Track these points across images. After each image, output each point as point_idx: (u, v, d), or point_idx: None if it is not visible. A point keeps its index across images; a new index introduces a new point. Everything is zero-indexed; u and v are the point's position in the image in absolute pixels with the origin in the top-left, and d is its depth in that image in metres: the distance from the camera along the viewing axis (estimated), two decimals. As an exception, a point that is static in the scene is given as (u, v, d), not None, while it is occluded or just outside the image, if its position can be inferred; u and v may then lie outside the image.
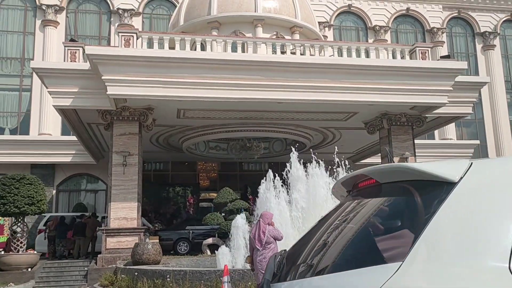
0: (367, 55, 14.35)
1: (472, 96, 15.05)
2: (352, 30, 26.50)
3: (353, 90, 13.33)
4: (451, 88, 13.52)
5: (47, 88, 13.15)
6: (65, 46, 13.47)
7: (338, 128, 17.39)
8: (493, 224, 1.32)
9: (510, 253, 1.25)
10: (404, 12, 26.69)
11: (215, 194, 19.59)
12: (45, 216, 19.54)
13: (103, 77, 11.95)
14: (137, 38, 13.05)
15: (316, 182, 11.16)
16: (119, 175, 13.52)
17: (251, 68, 12.96)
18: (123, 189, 13.49)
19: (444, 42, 26.80)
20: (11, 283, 12.62)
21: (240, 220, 11.34)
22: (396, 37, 26.64)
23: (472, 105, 15.35)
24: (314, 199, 10.85)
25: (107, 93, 12.09)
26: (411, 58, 14.40)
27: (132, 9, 23.57)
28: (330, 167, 11.88)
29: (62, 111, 13.54)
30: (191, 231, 16.25)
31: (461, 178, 1.46)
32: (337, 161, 11.69)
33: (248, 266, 8.03)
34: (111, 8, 23.52)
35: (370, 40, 25.40)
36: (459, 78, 14.35)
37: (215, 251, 11.56)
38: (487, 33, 27.44)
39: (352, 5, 26.15)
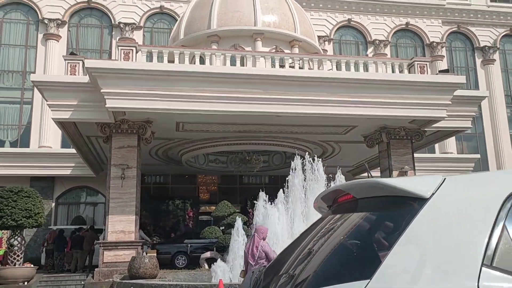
0: (366, 69, 14.39)
1: (471, 110, 15.05)
2: (352, 44, 26.65)
3: (351, 103, 13.34)
4: (450, 102, 13.53)
5: (46, 101, 13.19)
6: (65, 60, 13.55)
7: (338, 142, 17.38)
8: (462, 242, 1.30)
9: (479, 271, 1.23)
10: (403, 26, 26.86)
11: (214, 208, 19.53)
12: (51, 229, 19.54)
13: (102, 90, 11.99)
14: (136, 52, 13.13)
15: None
16: (117, 188, 13.48)
17: (250, 81, 13.00)
18: (121, 202, 13.45)
19: (444, 56, 26.91)
20: (7, 297, 12.54)
21: (238, 233, 11.29)
22: (396, 51, 26.77)
23: (472, 119, 15.34)
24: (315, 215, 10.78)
25: (106, 106, 12.12)
26: (409, 72, 14.44)
27: (134, 23, 23.77)
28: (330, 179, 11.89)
29: (61, 124, 13.57)
30: (189, 245, 16.16)
31: (433, 194, 1.44)
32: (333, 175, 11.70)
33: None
34: (113, 22, 23.72)
35: (370, 54, 25.52)
36: (458, 92, 14.37)
37: (213, 265, 11.48)
38: (486, 47, 27.56)
39: (352, 19, 26.33)
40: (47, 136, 21.66)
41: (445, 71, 15.31)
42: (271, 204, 11.29)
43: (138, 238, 13.93)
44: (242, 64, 14.14)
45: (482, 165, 25.12)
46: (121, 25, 23.55)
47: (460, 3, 27.81)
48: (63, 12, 23.16)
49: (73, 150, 18.33)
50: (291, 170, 12.44)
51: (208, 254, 14.59)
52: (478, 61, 27.62)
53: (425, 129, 14.94)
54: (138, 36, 23.83)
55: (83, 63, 12.88)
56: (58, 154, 20.95)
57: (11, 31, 23.03)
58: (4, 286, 13.10)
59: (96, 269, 13.08)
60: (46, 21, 22.81)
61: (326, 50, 25.06)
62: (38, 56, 22.73)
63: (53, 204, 21.85)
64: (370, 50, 26.16)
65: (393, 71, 14.68)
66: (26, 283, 13.68)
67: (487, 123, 26.52)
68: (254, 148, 17.83)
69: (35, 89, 19.24)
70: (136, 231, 13.54)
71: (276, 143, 17.21)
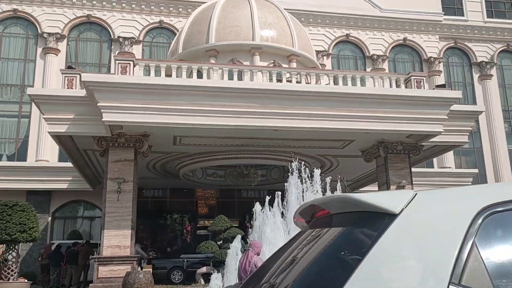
0: (363, 84, 14.44)
1: (468, 125, 15.06)
2: (350, 59, 26.79)
3: (348, 118, 13.35)
4: (446, 117, 13.55)
5: (43, 114, 13.18)
6: (62, 73, 13.58)
7: (335, 156, 17.35)
8: (430, 259, 1.27)
9: (447, 288, 1.19)
10: (401, 42, 27.04)
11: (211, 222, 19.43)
12: (53, 243, 19.43)
13: (98, 104, 11.99)
14: (133, 66, 13.17)
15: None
16: (113, 202, 13.40)
17: (247, 95, 13.02)
18: (117, 216, 13.35)
19: (441, 71, 27.03)
20: (0, 312, 12.38)
21: (234, 249, 11.21)
22: (393, 66, 26.91)
23: (468, 134, 15.34)
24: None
25: (102, 119, 12.11)
26: (406, 87, 14.48)
27: (133, 37, 23.91)
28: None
29: (57, 137, 13.54)
30: (185, 260, 16.01)
31: (403, 209, 1.41)
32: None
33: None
34: (112, 36, 23.86)
35: (368, 69, 25.65)
36: (455, 107, 14.39)
37: (210, 279, 11.37)
38: (483, 63, 27.71)
39: (350, 34, 26.52)
40: (44, 150, 21.63)
41: (442, 86, 15.36)
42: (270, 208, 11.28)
43: (134, 253, 13.81)
44: (240, 78, 14.18)
45: (480, 180, 25.06)
46: (120, 39, 23.68)
47: (457, 19, 28.04)
48: (62, 27, 23.31)
49: (70, 164, 18.28)
50: (287, 184, 12.38)
51: (204, 269, 14.47)
52: (476, 76, 27.76)
53: (422, 143, 14.94)
54: (137, 50, 23.97)
55: (80, 76, 12.91)
56: (55, 168, 20.89)
57: (10, 45, 23.15)
58: (-3, 301, 12.96)
59: (91, 284, 12.93)
60: (45, 35, 22.94)
61: (325, 65, 25.20)
62: (36, 69, 22.82)
63: (49, 218, 21.71)
64: (368, 65, 26.29)
65: (390, 86, 14.74)
66: (19, 298, 13.53)
67: (485, 138, 26.54)
68: (252, 162, 17.80)
69: (33, 103, 19.29)
70: (131, 245, 13.42)
71: (274, 157, 17.18)
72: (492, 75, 27.73)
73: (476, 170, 24.23)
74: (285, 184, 13.12)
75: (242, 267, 6.71)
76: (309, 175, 12.31)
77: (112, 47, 23.91)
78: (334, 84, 14.44)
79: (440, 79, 26.19)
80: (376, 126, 13.47)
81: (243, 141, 15.25)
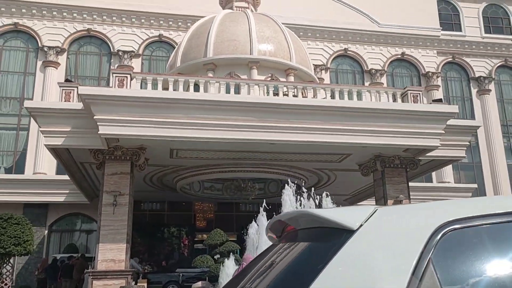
0: (360, 98, 14.47)
1: (465, 139, 15.05)
2: (348, 73, 26.91)
3: (345, 132, 13.35)
4: (443, 131, 13.54)
5: (40, 127, 13.19)
6: (60, 86, 13.62)
7: (333, 170, 17.32)
8: (384, 277, 1.24)
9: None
10: (399, 56, 27.19)
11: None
12: (54, 257, 19.32)
13: (95, 117, 12.01)
14: (131, 79, 13.21)
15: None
16: (108, 215, 13.33)
17: (243, 109, 13.03)
18: (112, 229, 13.27)
19: (440, 86, 27.13)
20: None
21: (230, 264, 11.11)
22: (392, 81, 27.00)
23: (465, 148, 15.32)
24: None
25: (98, 132, 12.11)
26: (403, 101, 14.50)
27: (132, 51, 24.06)
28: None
29: (54, 150, 13.53)
30: (181, 274, 15.87)
31: (361, 225, 1.39)
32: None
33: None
34: (112, 50, 24.01)
35: (367, 83, 25.75)
36: (452, 122, 14.40)
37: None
38: (482, 78, 27.82)
39: (348, 49, 26.67)
40: (42, 163, 21.61)
41: (439, 101, 15.39)
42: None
43: (129, 267, 13.70)
44: (237, 92, 14.22)
45: (479, 195, 24.96)
46: (120, 53, 23.83)
47: (455, 34, 28.23)
48: (63, 40, 23.47)
49: (67, 177, 18.22)
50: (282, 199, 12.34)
51: (199, 284, 14.32)
52: (474, 91, 27.84)
53: (420, 158, 14.91)
54: (136, 63, 24.11)
55: (78, 90, 12.94)
56: (52, 181, 20.84)
57: (10, 58, 23.28)
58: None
59: (84, 298, 12.82)
60: (45, 49, 23.09)
61: (323, 79, 25.31)
62: (36, 82, 22.92)
63: (46, 231, 21.59)
64: (366, 79, 26.40)
65: (387, 100, 14.76)
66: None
67: (484, 152, 26.52)
68: (249, 175, 17.76)
69: (31, 116, 19.34)
70: (126, 259, 13.31)
71: (271, 170, 17.14)
72: (490, 90, 27.82)
73: (475, 185, 24.16)
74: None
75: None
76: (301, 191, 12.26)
77: (112, 60, 24.05)
78: (331, 98, 14.48)
79: (439, 94, 26.29)
80: (373, 140, 13.45)
81: (240, 154, 15.23)
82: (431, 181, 24.89)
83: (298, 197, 12.27)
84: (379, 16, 26.94)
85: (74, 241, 22.36)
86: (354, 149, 14.35)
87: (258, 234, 11.16)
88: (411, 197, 15.36)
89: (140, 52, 24.36)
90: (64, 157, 14.39)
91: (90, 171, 16.32)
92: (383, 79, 26.56)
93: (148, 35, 24.54)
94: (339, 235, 1.38)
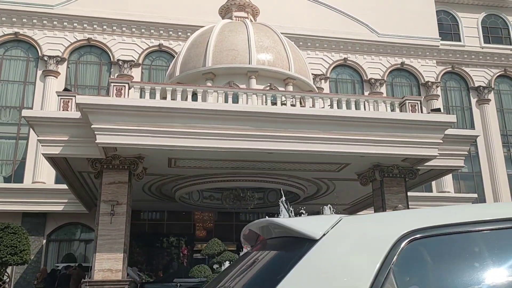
0: (357, 107, 14.47)
1: (463, 149, 15.00)
2: (348, 83, 26.95)
3: (343, 141, 13.32)
4: (441, 141, 13.51)
5: (38, 136, 13.19)
6: (58, 95, 13.65)
7: (331, 179, 17.26)
8: (345, 286, 1.21)
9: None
10: (398, 66, 27.24)
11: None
12: (56, 266, 19.24)
13: (92, 126, 12.01)
14: (129, 88, 13.24)
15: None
16: (106, 225, 13.27)
17: (241, 118, 13.02)
18: (109, 239, 13.20)
19: (439, 95, 27.15)
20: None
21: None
22: (391, 90, 27.03)
23: (464, 158, 15.27)
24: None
25: (96, 141, 12.11)
26: (401, 111, 14.50)
27: (132, 60, 24.16)
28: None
29: (51, 159, 13.52)
30: (178, 284, 15.77)
31: (324, 235, 1.36)
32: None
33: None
34: (112, 59, 24.11)
35: (366, 93, 25.78)
36: (451, 131, 14.37)
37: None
38: (481, 87, 27.84)
39: (348, 58, 26.74)
40: (41, 172, 21.59)
41: (437, 110, 15.38)
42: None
43: (127, 277, 13.61)
44: (235, 101, 14.23)
45: (480, 205, 24.87)
46: (120, 62, 23.92)
47: (454, 44, 28.31)
48: (63, 50, 23.58)
49: (66, 186, 18.21)
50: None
51: (196, 294, 14.25)
52: (473, 101, 27.85)
53: (418, 167, 14.86)
54: (136, 73, 24.18)
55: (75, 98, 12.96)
56: (50, 190, 20.81)
57: (10, 68, 23.38)
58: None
59: (81, 308, 12.73)
60: (46, 58, 23.20)
61: (322, 88, 25.36)
62: (36, 92, 22.98)
63: (44, 240, 21.52)
64: (366, 88, 26.44)
65: (386, 110, 14.76)
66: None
67: (484, 162, 26.46)
68: (248, 185, 17.72)
69: (28, 124, 19.38)
70: (123, 269, 13.23)
71: (269, 180, 17.09)
72: (490, 100, 27.83)
73: (475, 195, 24.07)
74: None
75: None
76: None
77: (112, 70, 24.13)
78: (329, 108, 14.47)
79: (438, 104, 26.29)
80: (371, 149, 13.42)
81: (238, 163, 15.20)
82: (431, 191, 24.80)
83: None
84: (378, 26, 27.05)
85: (73, 251, 22.29)
86: (353, 158, 14.31)
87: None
88: (410, 207, 15.30)
89: (140, 61, 24.45)
90: (62, 166, 14.37)
91: (88, 180, 16.29)
92: (383, 89, 26.59)
93: (148, 44, 24.65)
94: (302, 245, 1.36)
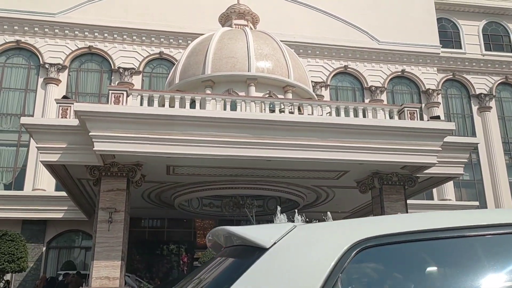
0: (356, 115, 14.45)
1: (463, 157, 14.94)
2: (348, 90, 26.95)
3: (341, 148, 13.29)
4: (440, 148, 13.46)
5: (36, 143, 13.23)
6: (57, 103, 13.69)
7: (331, 187, 17.21)
8: None
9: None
10: (399, 73, 27.24)
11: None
12: (60, 273, 19.20)
13: (90, 133, 12.03)
14: (127, 96, 13.27)
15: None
16: (103, 232, 13.24)
17: (239, 125, 13.02)
18: (107, 246, 13.17)
19: (440, 103, 27.10)
20: None
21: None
22: (392, 98, 27.01)
23: (464, 166, 15.21)
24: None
25: (93, 149, 12.12)
26: (400, 118, 14.47)
27: (133, 68, 24.25)
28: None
29: (50, 166, 13.54)
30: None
31: (275, 243, 1.35)
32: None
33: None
34: (112, 67, 24.21)
35: (367, 100, 25.76)
36: (450, 139, 14.33)
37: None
38: (482, 95, 27.78)
39: (348, 66, 26.76)
40: (41, 179, 21.62)
41: (436, 118, 15.35)
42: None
43: (124, 285, 13.56)
44: (234, 109, 14.24)
45: (481, 213, 24.75)
46: (121, 70, 24.01)
47: (455, 51, 28.31)
48: (64, 57, 23.70)
49: (66, 194, 18.21)
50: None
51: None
52: (475, 108, 27.79)
53: (418, 175, 14.80)
54: (137, 80, 24.27)
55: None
56: (50, 197, 20.82)
57: (12, 75, 23.51)
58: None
59: (78, 316, 12.68)
60: (47, 66, 23.31)
61: (323, 96, 25.37)
62: (37, 99, 23.08)
63: (44, 248, 21.49)
64: (366, 96, 26.43)
65: (384, 117, 14.72)
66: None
67: (485, 170, 26.34)
68: (247, 192, 17.68)
69: (27, 132, 19.43)
70: (121, 277, 13.18)
71: (269, 187, 17.06)
72: (491, 107, 27.76)
73: (476, 203, 23.93)
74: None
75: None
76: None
77: (113, 77, 24.22)
78: (328, 115, 14.46)
79: (439, 111, 26.24)
80: (369, 157, 13.38)
81: (237, 171, 15.18)
82: (432, 199, 24.69)
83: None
84: (379, 33, 27.10)
85: (73, 258, 22.25)
86: (351, 166, 14.27)
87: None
88: (409, 214, 15.22)
89: (141, 69, 24.54)
90: (61, 173, 14.38)
91: (87, 188, 16.29)
92: (383, 96, 26.58)
93: (148, 52, 24.75)
94: (253, 253, 1.35)
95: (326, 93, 26.01)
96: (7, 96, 23.21)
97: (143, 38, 24.72)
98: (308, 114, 14.34)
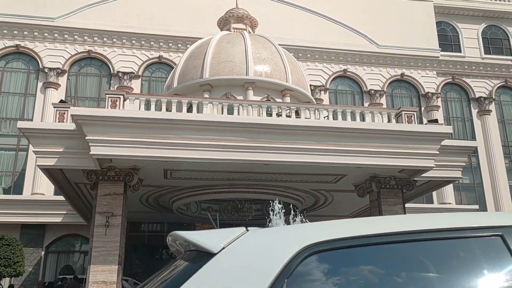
0: (353, 118, 14.43)
1: (461, 160, 14.90)
2: (348, 94, 26.94)
3: (339, 152, 13.27)
4: (437, 152, 13.43)
5: (33, 147, 13.23)
6: (54, 107, 13.71)
7: (329, 191, 17.17)
8: None
9: None
10: (398, 77, 27.22)
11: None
12: (61, 278, 19.20)
13: (86, 138, 12.04)
14: (124, 100, 13.27)
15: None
16: (100, 236, 13.22)
17: (236, 129, 13.02)
18: (104, 251, 13.14)
19: (439, 106, 27.07)
20: None
21: None
22: (391, 101, 26.98)
23: (462, 169, 15.16)
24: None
25: (90, 153, 12.12)
26: (397, 122, 14.44)
27: (132, 72, 24.29)
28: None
29: (47, 171, 13.54)
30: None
31: (224, 248, 1.33)
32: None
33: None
34: (112, 71, 24.25)
35: (366, 104, 25.75)
36: (448, 142, 14.30)
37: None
38: (482, 98, 27.74)
39: (348, 70, 26.76)
40: (40, 183, 21.62)
41: (434, 121, 15.32)
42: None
43: (121, 289, 13.53)
44: (231, 113, 14.23)
45: (481, 216, 24.65)
46: (120, 74, 24.05)
47: (454, 55, 28.29)
48: (63, 62, 23.75)
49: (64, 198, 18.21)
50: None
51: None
52: (474, 112, 27.74)
53: (415, 178, 14.75)
54: (136, 84, 24.30)
55: (71, 110, 12.99)
56: (49, 202, 20.82)
57: (11, 80, 23.57)
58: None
59: (74, 321, 12.64)
60: (46, 70, 23.36)
61: (322, 100, 25.36)
62: (36, 103, 23.12)
63: (43, 252, 21.47)
64: (366, 99, 26.41)
65: (382, 121, 14.70)
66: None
67: (485, 173, 26.26)
68: (245, 196, 17.63)
69: (24, 136, 19.46)
70: (118, 281, 13.15)
71: (267, 191, 17.01)
72: (491, 111, 27.71)
73: (476, 206, 23.86)
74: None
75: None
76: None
77: (112, 81, 24.26)
78: (325, 119, 14.44)
79: (439, 115, 26.21)
80: (367, 160, 13.36)
81: (235, 175, 15.16)
82: (432, 202, 24.63)
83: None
84: (378, 37, 27.10)
85: (72, 262, 22.22)
86: (349, 169, 14.24)
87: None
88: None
89: (140, 73, 24.58)
90: (58, 178, 14.38)
91: (85, 192, 16.28)
92: (383, 100, 26.55)
93: (148, 56, 24.79)
94: (201, 259, 1.33)
95: (325, 97, 26.00)
96: (6, 101, 23.26)
97: (142, 42, 24.78)
98: (306, 118, 14.32)
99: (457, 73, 28.06)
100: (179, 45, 24.96)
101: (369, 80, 26.73)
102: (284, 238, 1.36)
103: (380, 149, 13.33)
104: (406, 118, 14.18)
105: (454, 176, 15.13)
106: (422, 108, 26.75)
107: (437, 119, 18.83)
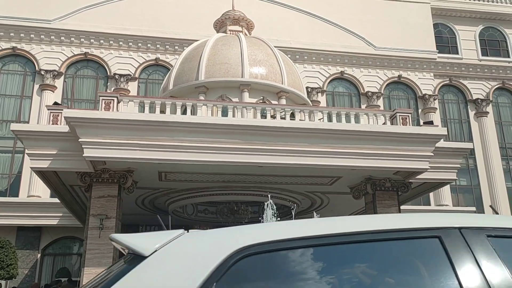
0: (348, 120, 14.42)
1: (456, 162, 14.88)
2: (345, 96, 26.93)
3: (333, 154, 13.25)
4: (432, 154, 13.41)
5: (26, 150, 13.21)
6: (48, 109, 13.69)
7: (324, 193, 17.15)
8: None
9: None
10: (396, 79, 27.22)
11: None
12: (63, 281, 19.19)
13: (80, 140, 12.01)
14: (118, 102, 13.25)
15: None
16: (94, 239, 13.19)
17: (230, 131, 13.00)
18: (98, 253, 13.11)
19: (437, 108, 27.06)
20: None
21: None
22: (389, 103, 26.97)
23: (457, 171, 15.14)
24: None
25: (83, 155, 12.10)
26: (392, 124, 14.43)
27: (129, 74, 24.28)
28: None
29: (41, 173, 13.51)
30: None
31: (155, 251, 1.31)
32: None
33: None
34: (108, 73, 24.24)
35: (363, 106, 25.74)
36: (443, 144, 14.29)
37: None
38: (479, 100, 27.73)
39: (345, 72, 26.76)
40: (37, 186, 21.57)
41: (429, 123, 15.30)
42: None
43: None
44: (226, 115, 14.21)
45: (478, 218, 24.61)
46: (116, 76, 24.04)
47: (452, 57, 28.29)
48: (60, 64, 23.75)
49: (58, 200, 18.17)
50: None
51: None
52: (471, 114, 27.72)
53: (410, 180, 14.73)
54: (133, 87, 24.28)
55: (65, 112, 12.97)
56: (45, 204, 20.78)
57: (8, 82, 23.55)
58: None
59: (68, 324, 12.60)
60: (43, 72, 23.35)
61: (319, 102, 25.36)
62: (33, 106, 23.11)
63: (39, 255, 21.42)
64: (363, 101, 26.40)
65: (377, 123, 14.68)
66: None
67: (482, 175, 26.24)
68: (241, 198, 17.61)
69: (18, 138, 19.43)
70: (112, 284, 13.12)
71: (262, 193, 16.93)
72: (488, 112, 27.70)
73: (473, 208, 23.84)
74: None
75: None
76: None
77: (108, 83, 24.25)
78: (320, 121, 14.42)
79: (436, 116, 26.20)
80: (361, 162, 13.34)
81: (229, 177, 15.13)
82: (429, 204, 24.60)
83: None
84: (375, 39, 27.11)
85: (68, 265, 22.17)
86: (344, 171, 14.22)
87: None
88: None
89: (137, 75, 24.57)
90: (52, 180, 14.35)
91: (80, 194, 16.24)
92: (380, 102, 26.54)
93: (144, 58, 24.79)
94: (134, 261, 1.31)
95: (322, 99, 25.99)
96: (2, 103, 23.25)
97: (139, 44, 24.77)
98: (300, 120, 14.30)
99: (454, 75, 28.06)
100: (176, 47, 24.96)
101: (366, 82, 26.72)
102: (218, 241, 1.34)
103: (374, 151, 13.31)
104: (401, 120, 14.17)
105: (449, 178, 15.11)
106: (420, 110, 26.75)
107: (432, 121, 18.81)
